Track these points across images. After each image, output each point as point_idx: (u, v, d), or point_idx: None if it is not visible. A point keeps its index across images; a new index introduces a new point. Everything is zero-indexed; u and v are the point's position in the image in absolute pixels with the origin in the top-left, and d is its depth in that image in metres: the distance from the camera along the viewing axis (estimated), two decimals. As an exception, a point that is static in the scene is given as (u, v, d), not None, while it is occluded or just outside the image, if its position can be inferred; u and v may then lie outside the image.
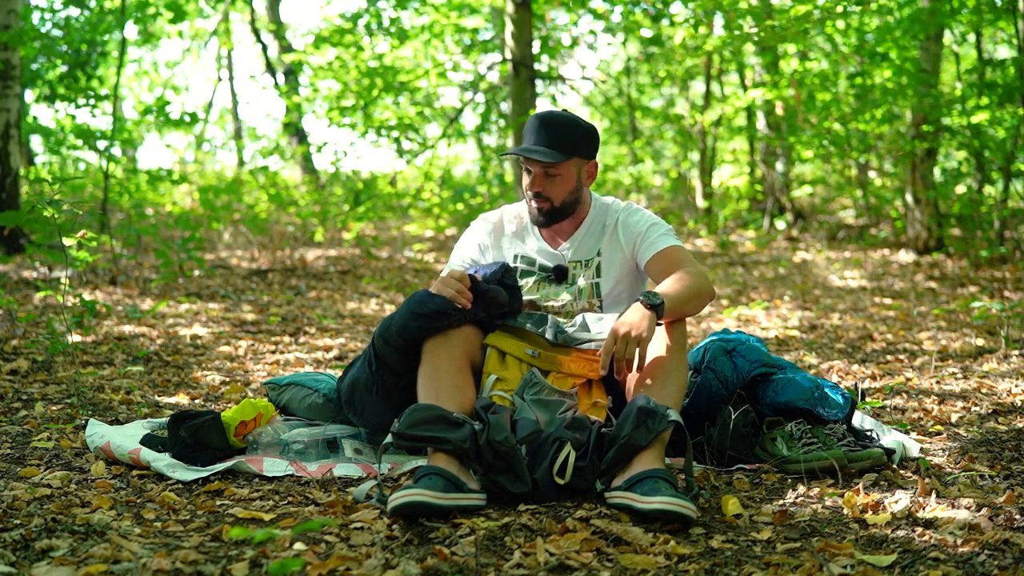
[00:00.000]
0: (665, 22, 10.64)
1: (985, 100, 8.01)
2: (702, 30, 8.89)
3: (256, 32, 16.18)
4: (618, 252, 2.85)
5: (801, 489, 2.47)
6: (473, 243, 2.98)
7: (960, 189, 10.21)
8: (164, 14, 8.24)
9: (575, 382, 2.62)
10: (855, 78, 9.40)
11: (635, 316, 2.48)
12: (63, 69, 9.78)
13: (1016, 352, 4.42)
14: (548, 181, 2.78)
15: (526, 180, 2.82)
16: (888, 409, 3.45)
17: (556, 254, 2.89)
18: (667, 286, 2.62)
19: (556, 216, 2.83)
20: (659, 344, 2.56)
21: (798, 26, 7.24)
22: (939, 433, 3.09)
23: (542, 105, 12.54)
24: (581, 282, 2.85)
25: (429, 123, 12.49)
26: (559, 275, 2.87)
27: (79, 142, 8.01)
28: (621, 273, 2.85)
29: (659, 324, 2.55)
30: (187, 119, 9.72)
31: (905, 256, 8.79)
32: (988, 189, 9.69)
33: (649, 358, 2.54)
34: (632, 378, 2.55)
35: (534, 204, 2.82)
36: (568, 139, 2.75)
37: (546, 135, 2.75)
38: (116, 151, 9.05)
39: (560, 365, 2.64)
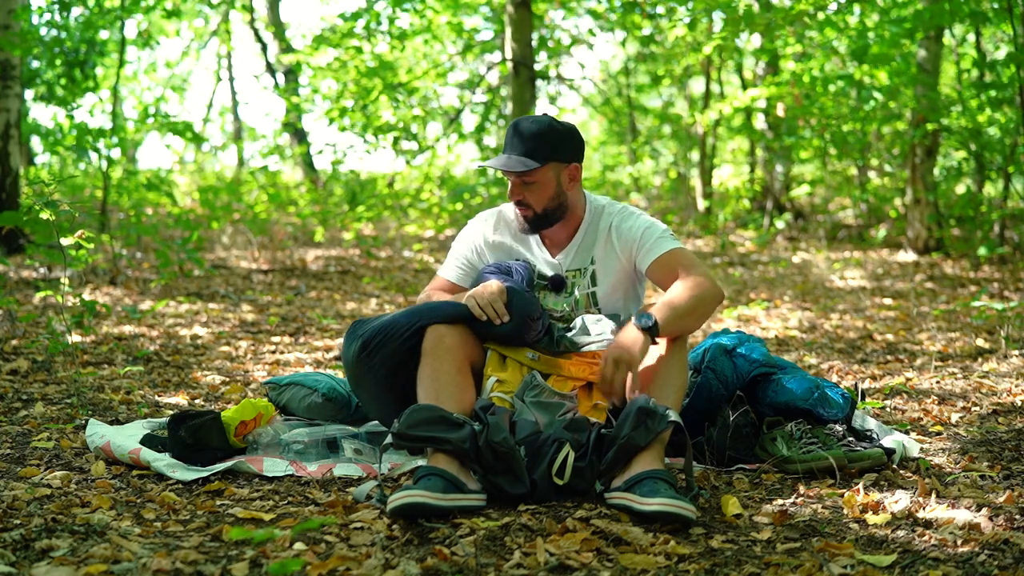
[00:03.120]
0: (664, 21, 10.63)
1: (984, 101, 8.01)
2: (697, 29, 8.91)
3: (256, 32, 16.18)
4: (613, 259, 2.80)
5: (801, 489, 2.47)
6: (469, 245, 2.94)
7: (960, 189, 10.21)
8: (160, 10, 8.26)
9: (575, 384, 2.62)
10: (846, 79, 9.39)
11: (627, 340, 2.47)
12: (62, 70, 9.78)
13: (1016, 352, 4.42)
14: (526, 189, 2.73)
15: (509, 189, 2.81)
16: (888, 409, 3.45)
17: (554, 263, 2.86)
18: (664, 303, 2.57)
19: (541, 223, 2.79)
20: (659, 345, 2.55)
21: (796, 17, 7.25)
22: (939, 433, 3.09)
23: (542, 105, 12.54)
24: (578, 292, 2.83)
25: (428, 124, 12.47)
26: (556, 285, 2.84)
27: (75, 143, 8.01)
28: (617, 280, 2.82)
29: (655, 343, 2.53)
30: (184, 127, 9.74)
31: (905, 256, 8.79)
32: (988, 189, 9.69)
33: (649, 359, 2.54)
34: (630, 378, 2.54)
35: (518, 212, 2.79)
36: (540, 145, 2.70)
37: (518, 143, 2.71)
38: (115, 153, 9.02)
39: (560, 368, 2.63)
